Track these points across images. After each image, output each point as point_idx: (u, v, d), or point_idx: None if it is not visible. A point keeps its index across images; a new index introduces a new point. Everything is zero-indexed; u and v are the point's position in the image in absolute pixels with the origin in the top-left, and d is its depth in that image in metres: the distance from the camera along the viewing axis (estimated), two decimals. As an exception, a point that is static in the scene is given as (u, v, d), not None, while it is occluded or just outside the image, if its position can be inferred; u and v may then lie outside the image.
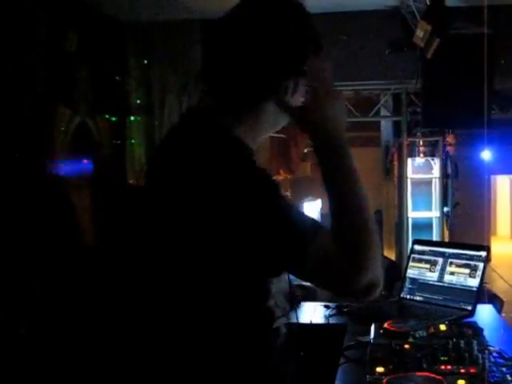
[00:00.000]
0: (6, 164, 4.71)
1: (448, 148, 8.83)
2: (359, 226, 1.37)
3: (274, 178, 1.51)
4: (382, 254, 8.84)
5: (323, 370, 2.08)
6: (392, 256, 8.33)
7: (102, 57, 6.16)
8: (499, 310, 6.47)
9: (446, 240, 7.96)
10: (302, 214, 1.45)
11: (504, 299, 7.14)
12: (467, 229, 10.67)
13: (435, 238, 7.38)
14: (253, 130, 1.53)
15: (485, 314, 2.61)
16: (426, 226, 7.53)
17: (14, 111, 4.81)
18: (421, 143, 7.59)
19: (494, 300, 6.52)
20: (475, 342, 1.85)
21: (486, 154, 11.08)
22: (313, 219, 1.40)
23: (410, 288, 2.75)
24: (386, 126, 8.73)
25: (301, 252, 1.33)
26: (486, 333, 2.07)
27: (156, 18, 6.52)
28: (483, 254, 2.59)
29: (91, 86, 5.93)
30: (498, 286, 10.64)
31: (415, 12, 5.73)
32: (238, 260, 1.39)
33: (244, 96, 1.49)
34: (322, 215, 4.64)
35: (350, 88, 7.14)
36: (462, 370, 1.71)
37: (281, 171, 11.76)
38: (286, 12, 1.49)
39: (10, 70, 4.82)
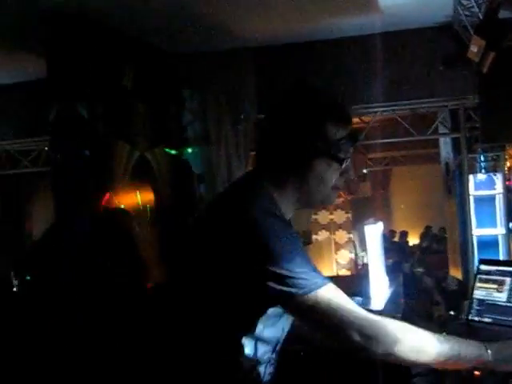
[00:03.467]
0: (70, 201, 4.82)
1: (510, 161, 8.63)
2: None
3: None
4: (450, 275, 8.68)
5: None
6: (458, 274, 8.16)
7: (157, 91, 6.26)
8: None
9: (515, 257, 7.72)
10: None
11: None
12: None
13: (502, 255, 7.17)
14: (290, 199, 1.87)
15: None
16: (492, 243, 7.31)
17: (77, 150, 4.93)
18: (482, 159, 7.42)
19: None
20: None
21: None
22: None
23: (477, 309, 2.68)
24: (444, 142, 8.59)
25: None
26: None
27: (208, 49, 6.60)
28: (553, 271, 2.51)
29: (148, 121, 6.02)
30: None
31: (468, 26, 5.66)
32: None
33: (283, 165, 1.84)
34: (384, 236, 4.57)
35: (407, 107, 7.08)
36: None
37: (340, 193, 11.68)
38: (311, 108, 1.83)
39: (74, 108, 4.95)
